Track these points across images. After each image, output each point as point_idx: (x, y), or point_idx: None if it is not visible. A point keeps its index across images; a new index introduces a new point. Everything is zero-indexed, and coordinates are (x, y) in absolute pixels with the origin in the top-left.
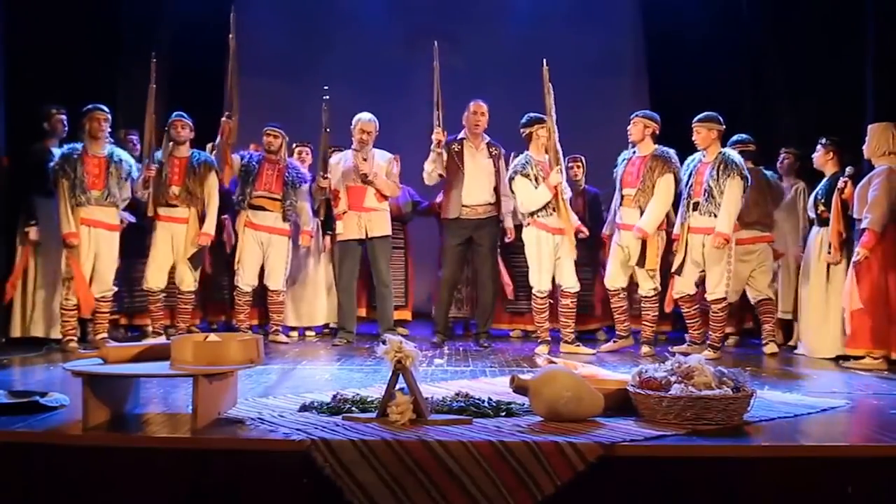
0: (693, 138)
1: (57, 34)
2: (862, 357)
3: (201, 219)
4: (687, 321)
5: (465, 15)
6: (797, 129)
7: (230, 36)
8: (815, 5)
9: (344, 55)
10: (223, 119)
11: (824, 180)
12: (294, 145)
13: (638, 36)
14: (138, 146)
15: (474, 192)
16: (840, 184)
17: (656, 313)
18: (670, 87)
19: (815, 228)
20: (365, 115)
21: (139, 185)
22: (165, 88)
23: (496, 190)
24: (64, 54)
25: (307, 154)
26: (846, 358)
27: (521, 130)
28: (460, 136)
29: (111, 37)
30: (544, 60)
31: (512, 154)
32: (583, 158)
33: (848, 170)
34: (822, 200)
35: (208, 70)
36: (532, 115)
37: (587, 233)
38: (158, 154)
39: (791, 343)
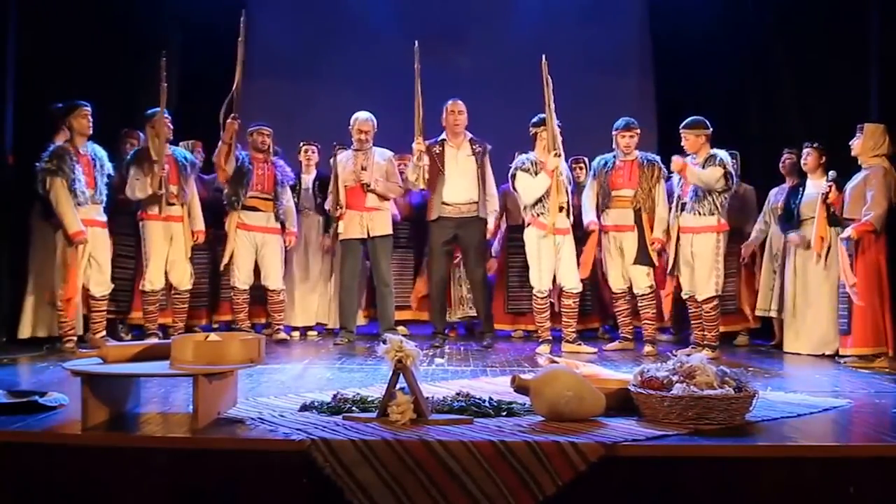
0: (682, 144)
1: (67, 34)
2: (862, 357)
3: None
4: (692, 322)
5: (471, 15)
6: (803, 129)
7: (239, 39)
8: (820, 5)
9: (351, 56)
10: (229, 121)
11: (824, 181)
12: (301, 144)
13: (644, 36)
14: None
15: (455, 191)
16: (824, 188)
17: (655, 311)
18: (676, 87)
19: (806, 228)
20: (362, 115)
21: (153, 184)
22: (176, 87)
23: (482, 187)
24: (74, 54)
25: (313, 153)
26: (845, 356)
27: (529, 130)
28: (441, 137)
29: (121, 37)
30: (543, 56)
31: (515, 154)
32: (585, 160)
33: (831, 174)
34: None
35: (217, 70)
36: (542, 115)
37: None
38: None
39: (774, 342)
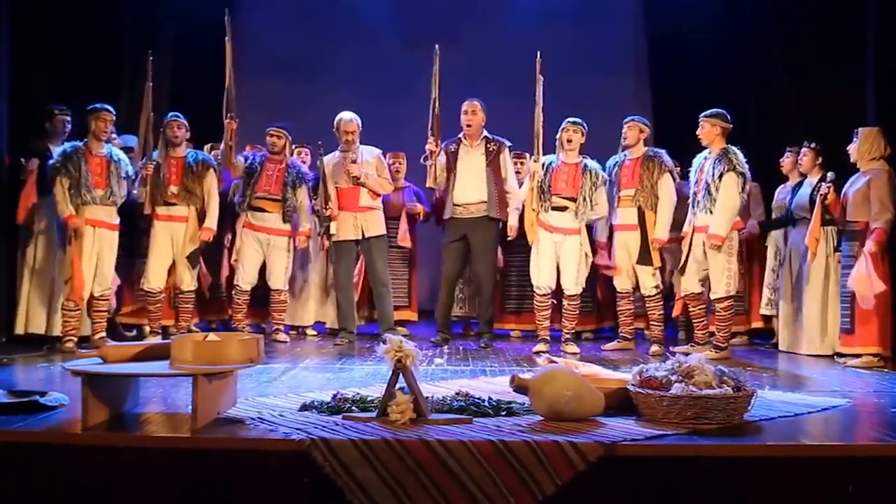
0: (697, 132)
1: (62, 34)
2: (860, 356)
3: (200, 218)
4: (693, 321)
5: (467, 14)
6: (800, 129)
7: (226, 38)
8: (817, 4)
9: (347, 56)
10: (227, 121)
11: (821, 182)
12: (294, 146)
13: (640, 35)
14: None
15: (465, 191)
16: (823, 189)
17: (662, 311)
18: (672, 87)
19: (800, 227)
20: (346, 115)
21: (135, 183)
22: (168, 88)
23: (496, 187)
24: (68, 54)
25: (306, 155)
26: (843, 356)
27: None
28: (459, 136)
29: (115, 37)
30: (538, 53)
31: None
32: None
33: (829, 175)
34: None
35: (211, 70)
36: (571, 119)
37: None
38: (154, 154)
39: (773, 341)
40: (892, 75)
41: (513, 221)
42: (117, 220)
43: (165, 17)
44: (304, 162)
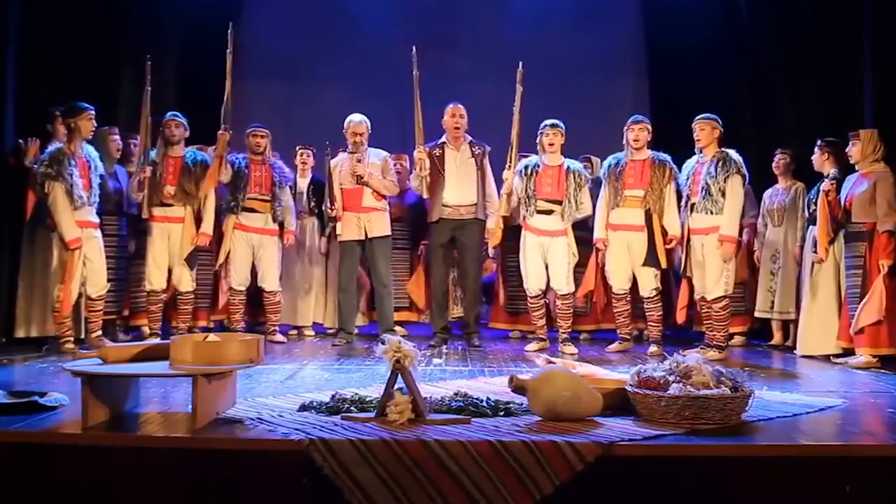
0: (695, 135)
1: (67, 37)
2: (858, 356)
3: (197, 218)
4: (704, 322)
5: (466, 17)
6: (797, 131)
7: (228, 51)
8: (813, 7)
9: (348, 58)
10: (220, 133)
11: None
12: (297, 148)
13: (639, 37)
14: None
15: (455, 193)
16: (825, 186)
17: (661, 312)
18: (670, 89)
19: (810, 228)
20: (356, 117)
21: (134, 186)
22: (172, 91)
23: (482, 190)
24: (73, 57)
25: (308, 156)
26: (840, 355)
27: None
28: (441, 140)
29: (120, 39)
30: (520, 63)
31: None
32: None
33: (832, 172)
34: (814, 201)
35: (215, 72)
36: (549, 121)
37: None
38: (152, 154)
39: (788, 343)
40: (889, 78)
41: (490, 225)
42: (98, 220)
43: (170, 21)
44: (305, 163)
